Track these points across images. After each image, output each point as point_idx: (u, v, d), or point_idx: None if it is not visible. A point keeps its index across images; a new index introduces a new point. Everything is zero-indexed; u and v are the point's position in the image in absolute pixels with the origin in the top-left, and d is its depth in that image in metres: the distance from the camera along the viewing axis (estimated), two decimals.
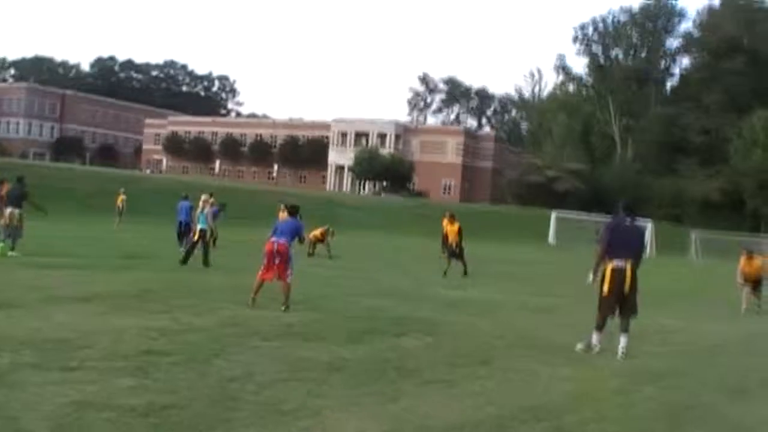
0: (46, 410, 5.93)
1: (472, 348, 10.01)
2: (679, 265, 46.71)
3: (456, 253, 22.82)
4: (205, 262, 18.98)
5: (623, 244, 10.30)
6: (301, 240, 13.28)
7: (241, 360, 8.17)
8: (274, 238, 12.51)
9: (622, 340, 10.22)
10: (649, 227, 61.15)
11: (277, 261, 12.31)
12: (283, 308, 12.06)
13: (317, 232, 27.04)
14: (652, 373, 9.35)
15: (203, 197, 20.19)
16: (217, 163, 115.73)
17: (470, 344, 10.33)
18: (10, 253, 17.90)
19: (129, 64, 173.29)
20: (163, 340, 8.95)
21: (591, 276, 10.38)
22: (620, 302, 10.23)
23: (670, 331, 13.93)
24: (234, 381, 7.23)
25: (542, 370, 8.95)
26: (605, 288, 10.19)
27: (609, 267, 10.17)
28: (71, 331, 9.12)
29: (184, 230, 23.16)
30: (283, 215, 26.29)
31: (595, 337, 10.35)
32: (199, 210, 19.80)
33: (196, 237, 19.48)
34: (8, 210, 18.70)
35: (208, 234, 19.60)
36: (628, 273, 10.10)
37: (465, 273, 22.40)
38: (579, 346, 10.34)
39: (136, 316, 10.63)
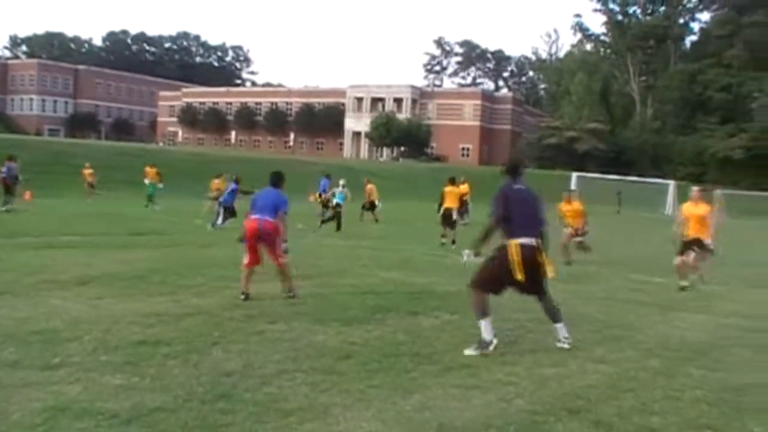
0: (13, 419, 5.22)
1: (495, 326, 9.16)
2: None
3: (451, 220, 20.69)
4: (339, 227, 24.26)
5: (525, 215, 8.04)
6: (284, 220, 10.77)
7: (241, 349, 7.44)
8: (256, 215, 10.53)
9: (561, 331, 8.19)
10: (671, 187, 60.08)
11: (263, 242, 10.53)
12: (285, 295, 10.51)
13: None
14: (693, 349, 8.53)
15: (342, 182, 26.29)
16: (233, 133, 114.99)
17: (493, 322, 9.51)
18: None
19: (141, 37, 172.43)
20: (160, 327, 8.24)
21: (469, 253, 8.15)
22: (530, 286, 8.04)
23: (708, 298, 13.10)
24: (232, 375, 6.50)
25: (574, 350, 8.16)
26: (514, 267, 7.77)
27: (513, 245, 7.83)
28: (62, 320, 8.42)
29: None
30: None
31: (487, 330, 7.93)
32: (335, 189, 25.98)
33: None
34: None
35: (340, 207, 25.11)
36: (538, 252, 7.94)
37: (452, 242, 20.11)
38: (469, 351, 7.77)
39: (135, 299, 9.95)
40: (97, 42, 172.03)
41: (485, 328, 7.89)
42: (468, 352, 7.71)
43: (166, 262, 13.80)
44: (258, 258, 10.58)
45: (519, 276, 7.78)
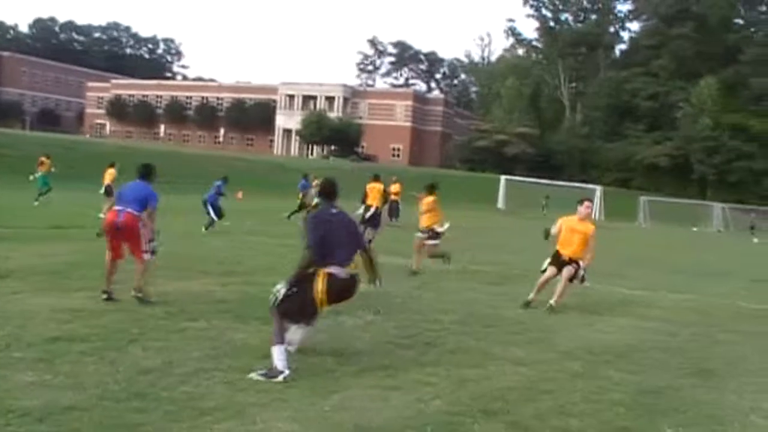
0: None
1: (417, 327, 9.27)
2: (628, 230, 46.64)
3: (365, 218, 19.61)
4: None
5: (339, 242, 7.13)
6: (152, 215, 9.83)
7: (161, 346, 7.32)
8: (117, 207, 9.67)
9: (302, 335, 7.46)
10: (598, 191, 61.25)
11: (122, 236, 9.60)
12: (133, 293, 9.51)
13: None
14: (611, 352, 8.71)
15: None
16: (162, 127, 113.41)
17: (415, 322, 9.59)
18: None
19: (70, 26, 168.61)
20: (77, 323, 8.05)
21: (281, 287, 6.86)
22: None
23: (631, 303, 13.37)
24: (150, 373, 6.39)
25: (494, 351, 8.26)
26: (318, 297, 6.92)
27: (322, 274, 6.96)
28: None
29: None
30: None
31: (281, 359, 6.75)
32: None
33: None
34: None
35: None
36: (349, 282, 7.19)
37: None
38: (254, 375, 6.62)
39: (52, 294, 9.69)
40: (24, 29, 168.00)
41: (279, 356, 6.76)
42: (253, 375, 6.61)
43: (87, 256, 13.45)
44: (120, 253, 9.79)
45: (323, 306, 7.09)
